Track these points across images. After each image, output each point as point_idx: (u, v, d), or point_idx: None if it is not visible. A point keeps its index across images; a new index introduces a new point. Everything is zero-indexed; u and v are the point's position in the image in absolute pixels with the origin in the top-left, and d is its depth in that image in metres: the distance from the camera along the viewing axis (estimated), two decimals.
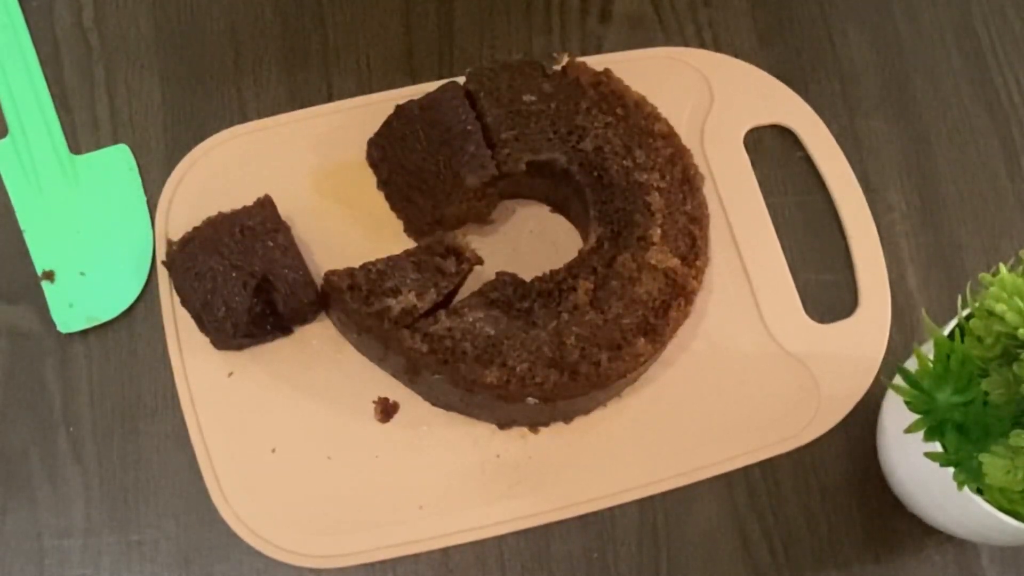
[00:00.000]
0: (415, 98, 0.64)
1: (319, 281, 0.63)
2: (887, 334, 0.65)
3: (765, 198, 0.68)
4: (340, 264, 0.61)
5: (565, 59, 0.65)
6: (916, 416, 0.51)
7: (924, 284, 0.67)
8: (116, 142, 0.68)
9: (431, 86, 0.65)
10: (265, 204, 0.63)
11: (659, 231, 0.61)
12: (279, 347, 0.64)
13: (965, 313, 0.51)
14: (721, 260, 0.66)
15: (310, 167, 0.67)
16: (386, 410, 0.63)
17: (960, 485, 0.50)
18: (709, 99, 0.70)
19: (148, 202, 0.67)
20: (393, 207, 0.66)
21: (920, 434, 0.51)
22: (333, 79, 0.70)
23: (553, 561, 0.61)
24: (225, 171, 0.67)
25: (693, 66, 0.70)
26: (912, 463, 0.56)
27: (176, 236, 0.64)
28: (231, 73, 0.70)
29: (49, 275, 0.65)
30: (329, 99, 0.69)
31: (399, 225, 0.66)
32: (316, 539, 0.60)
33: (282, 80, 0.70)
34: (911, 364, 0.52)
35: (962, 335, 0.51)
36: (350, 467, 0.62)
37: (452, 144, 0.62)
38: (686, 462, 0.62)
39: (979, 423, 0.50)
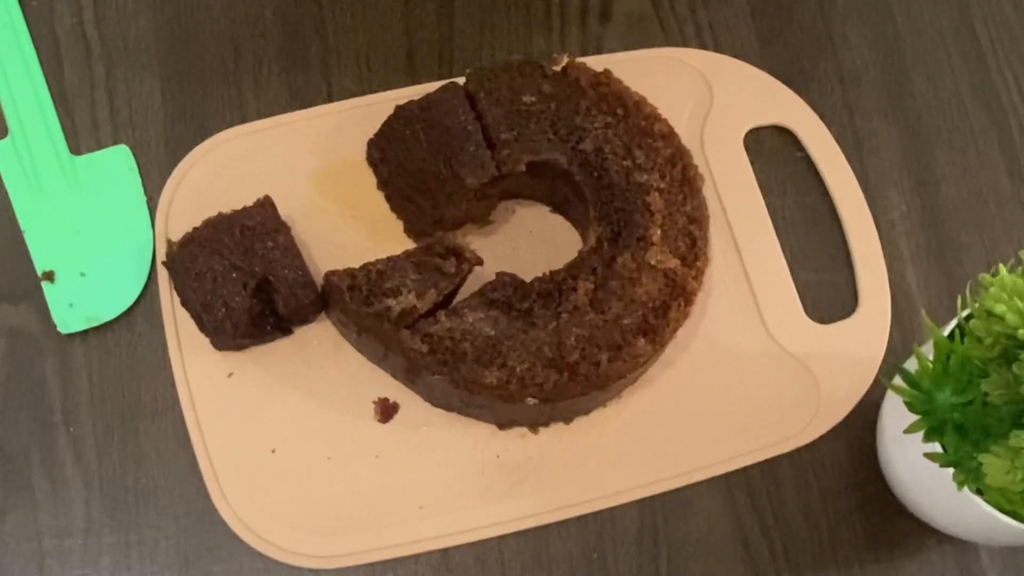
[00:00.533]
0: (415, 98, 0.64)
1: (319, 281, 0.63)
2: (887, 334, 0.65)
3: (765, 198, 0.68)
4: (340, 264, 0.61)
5: (565, 60, 0.65)
6: (916, 416, 0.51)
7: (924, 284, 0.67)
8: (116, 142, 0.68)
9: (431, 86, 0.65)
10: (265, 204, 0.63)
11: (659, 231, 0.61)
12: (279, 347, 0.64)
13: (965, 313, 0.51)
14: (721, 260, 0.66)
15: (310, 167, 0.67)
16: (386, 410, 0.63)
17: (960, 485, 0.50)
18: (709, 99, 0.70)
19: (148, 202, 0.67)
20: (393, 207, 0.66)
21: (920, 434, 0.51)
22: (333, 79, 0.70)
23: (553, 561, 0.61)
24: (225, 171, 0.67)
25: (693, 66, 0.70)
26: (912, 463, 0.56)
27: (176, 236, 0.64)
28: (231, 73, 0.70)
29: (49, 275, 0.65)
30: (329, 99, 0.69)
31: (399, 225, 0.66)
32: (316, 539, 0.60)
33: (282, 80, 0.70)
34: (911, 364, 0.52)
35: (962, 335, 0.51)
36: (350, 467, 0.62)
37: (452, 144, 0.62)
38: (686, 462, 0.62)
39: (979, 424, 0.50)
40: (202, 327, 0.62)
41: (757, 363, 0.64)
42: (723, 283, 0.66)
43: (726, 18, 0.72)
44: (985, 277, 0.48)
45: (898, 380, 0.52)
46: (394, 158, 0.64)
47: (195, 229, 0.63)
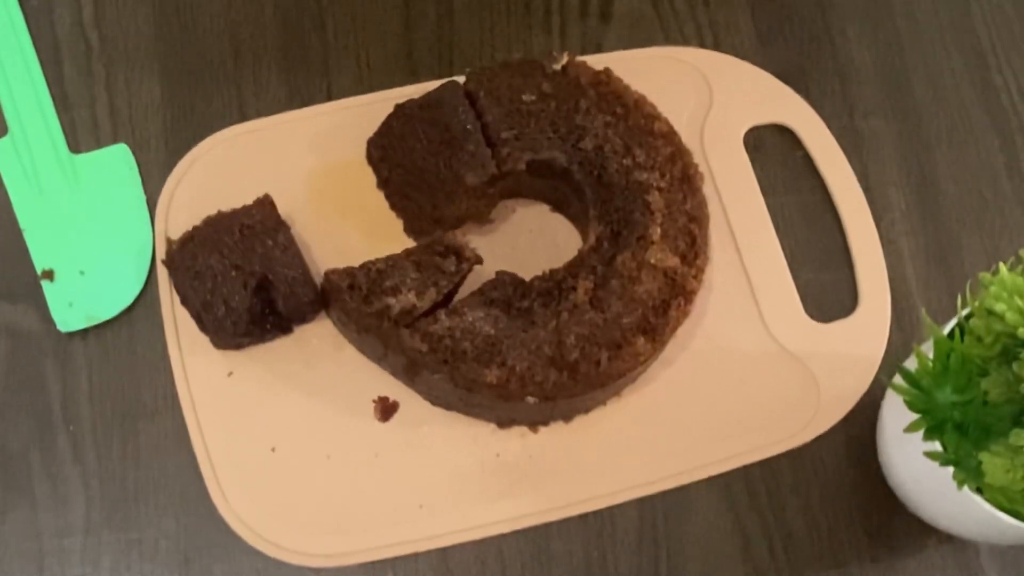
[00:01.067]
0: (415, 97, 0.64)
1: (319, 280, 0.63)
2: (887, 333, 0.65)
3: (765, 197, 0.68)
4: (340, 263, 0.61)
5: (565, 58, 0.65)
6: (916, 415, 0.51)
7: (924, 283, 0.67)
8: (116, 141, 0.68)
9: (431, 85, 0.65)
10: (265, 203, 0.63)
11: (659, 230, 0.61)
12: (279, 346, 0.64)
13: (965, 312, 0.51)
14: (721, 259, 0.66)
15: (310, 166, 0.67)
16: (386, 409, 0.63)
17: (960, 484, 0.50)
18: (709, 98, 0.70)
19: (148, 201, 0.67)
20: (393, 206, 0.66)
21: (920, 433, 0.51)
22: (333, 78, 0.70)
23: (553, 560, 0.61)
24: (225, 170, 0.67)
25: (693, 65, 0.70)
26: (912, 462, 0.56)
27: (176, 235, 0.64)
28: (231, 72, 0.70)
29: (49, 274, 0.65)
30: (329, 98, 0.69)
31: (399, 224, 0.66)
32: (316, 538, 0.60)
33: (282, 79, 0.70)
34: (911, 363, 0.52)
35: (962, 334, 0.51)
36: (350, 466, 0.62)
37: (452, 143, 0.62)
38: (686, 461, 0.62)
39: (979, 422, 0.50)
40: (202, 326, 0.62)
41: (757, 362, 0.64)
42: (723, 282, 0.66)
43: (726, 17, 0.72)
44: (985, 276, 0.48)
45: (898, 379, 0.52)
46: (394, 157, 0.64)
47: (195, 228, 0.63)
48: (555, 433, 0.63)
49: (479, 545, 0.61)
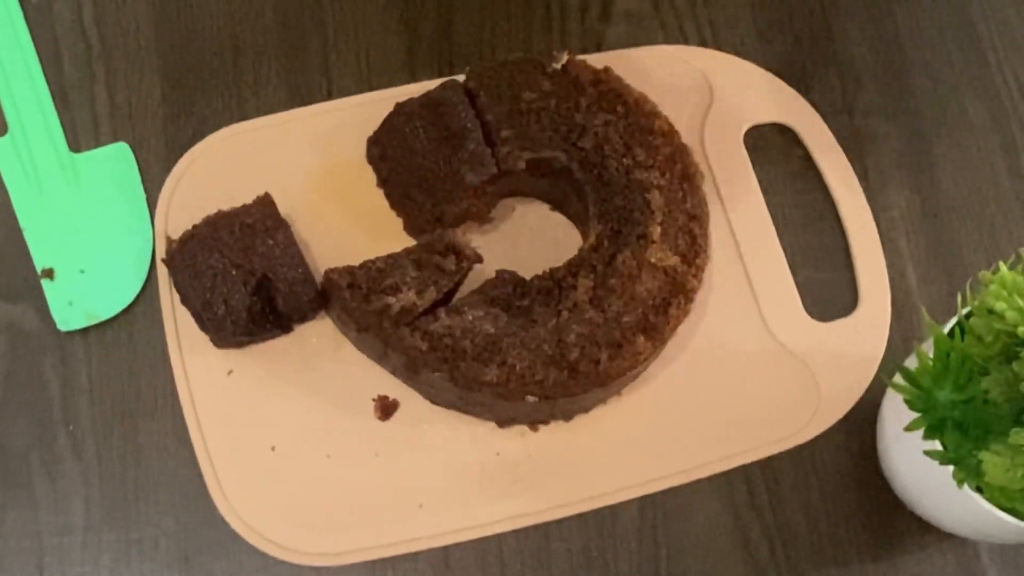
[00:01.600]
0: (415, 96, 0.64)
1: (319, 279, 0.63)
2: (887, 332, 0.65)
3: (765, 196, 0.68)
4: (340, 262, 0.61)
5: (565, 57, 0.65)
6: (916, 414, 0.51)
7: (924, 282, 0.67)
8: (116, 140, 0.68)
9: (431, 84, 0.65)
10: (265, 202, 0.63)
11: (659, 229, 0.61)
12: (279, 345, 0.64)
13: (965, 311, 0.51)
14: (721, 258, 0.66)
15: (310, 165, 0.67)
16: (386, 408, 0.63)
17: (960, 483, 0.50)
18: (709, 97, 0.70)
19: (148, 200, 0.67)
20: (393, 205, 0.66)
21: (920, 432, 0.51)
22: (333, 77, 0.70)
23: (553, 559, 0.61)
24: (225, 169, 0.67)
25: (693, 64, 0.70)
26: (912, 461, 0.56)
27: (176, 234, 0.64)
28: (231, 71, 0.70)
29: (49, 273, 0.65)
30: (329, 97, 0.69)
31: (399, 223, 0.66)
32: (316, 537, 0.60)
33: (282, 78, 0.70)
34: (911, 362, 0.52)
35: (962, 333, 0.51)
36: (350, 465, 0.62)
37: (452, 142, 0.62)
38: (686, 460, 0.62)
39: (979, 421, 0.50)
40: (202, 325, 0.62)
41: (757, 361, 0.64)
42: (723, 281, 0.66)
43: (726, 15, 0.72)
44: (985, 275, 0.48)
45: (898, 378, 0.52)
46: (394, 156, 0.64)
47: (195, 227, 0.63)
48: (555, 432, 0.63)
49: (479, 544, 0.61)
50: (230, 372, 0.63)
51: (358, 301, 0.60)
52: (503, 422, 0.62)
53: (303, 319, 0.64)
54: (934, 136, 0.70)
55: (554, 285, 0.61)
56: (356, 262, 0.61)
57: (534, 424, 0.62)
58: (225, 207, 0.63)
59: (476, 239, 0.65)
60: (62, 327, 0.64)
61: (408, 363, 0.60)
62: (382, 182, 0.66)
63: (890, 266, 0.67)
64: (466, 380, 0.58)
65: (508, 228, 0.67)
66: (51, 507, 0.61)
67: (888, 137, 0.70)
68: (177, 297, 0.63)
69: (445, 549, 0.61)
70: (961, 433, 0.50)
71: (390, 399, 0.63)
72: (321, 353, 0.64)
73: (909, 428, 0.51)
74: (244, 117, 0.69)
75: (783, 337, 0.64)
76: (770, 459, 0.63)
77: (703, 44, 0.71)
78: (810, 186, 0.69)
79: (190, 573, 0.61)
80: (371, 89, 0.70)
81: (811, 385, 0.64)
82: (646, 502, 0.62)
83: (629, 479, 0.62)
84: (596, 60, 0.66)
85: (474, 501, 0.61)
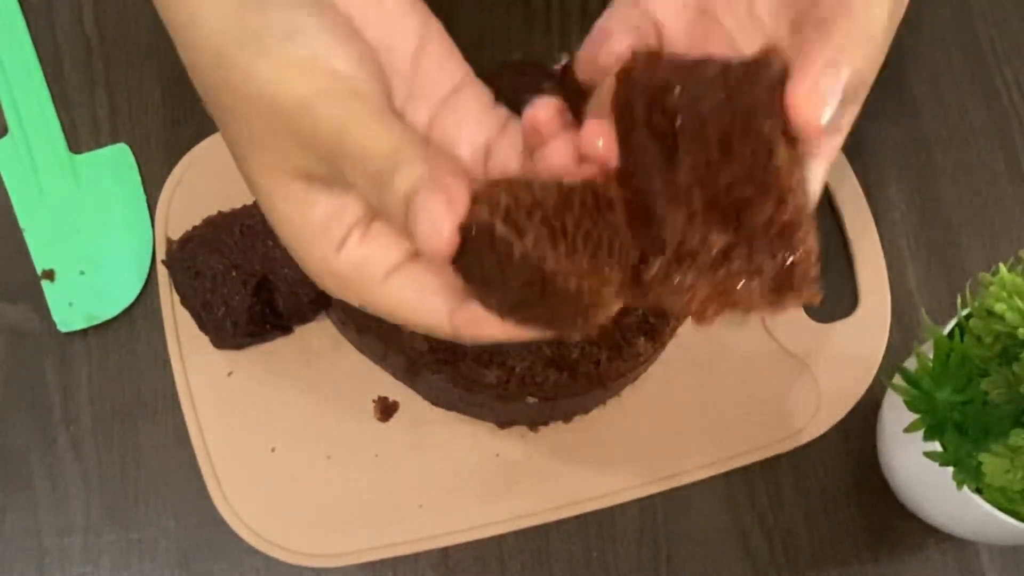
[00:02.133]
0: None
1: None
2: (887, 333, 0.65)
3: None
4: None
5: (566, 59, 0.65)
6: (916, 415, 0.51)
7: (924, 283, 0.67)
8: (116, 141, 0.68)
9: None
10: None
11: None
12: (279, 346, 0.64)
13: (965, 313, 0.51)
14: None
15: None
16: (386, 409, 0.63)
17: (959, 484, 0.50)
18: None
19: (148, 201, 0.67)
20: None
21: (920, 433, 0.51)
22: None
23: (553, 560, 0.61)
24: (225, 170, 0.66)
25: None
26: (912, 462, 0.56)
27: (176, 235, 0.64)
28: None
29: (49, 274, 0.65)
30: None
31: None
32: (316, 538, 0.60)
33: None
34: (911, 363, 0.52)
35: (962, 335, 0.51)
36: (350, 466, 0.62)
37: None
38: (686, 461, 0.62)
39: (978, 422, 0.50)
40: (202, 326, 0.62)
41: (757, 362, 0.64)
42: None
43: None
44: (985, 276, 0.48)
45: (898, 379, 0.52)
46: None
47: (195, 228, 0.63)
48: (555, 433, 0.63)
49: (479, 545, 0.61)
50: (230, 373, 0.63)
51: None
52: (503, 423, 0.62)
53: (303, 320, 0.64)
54: (934, 137, 0.70)
55: None
56: None
57: (534, 425, 0.62)
58: (226, 208, 0.63)
59: None
60: (62, 328, 0.64)
61: (408, 364, 0.60)
62: None
63: (890, 267, 0.67)
64: (466, 381, 0.58)
65: None
66: (51, 507, 0.61)
67: (888, 138, 0.70)
68: (177, 298, 0.63)
69: (445, 549, 0.61)
70: (961, 434, 0.50)
71: (390, 400, 0.63)
72: (321, 353, 0.64)
73: (909, 429, 0.52)
74: None
75: (783, 338, 0.64)
76: (770, 460, 0.63)
77: None
78: None
79: (190, 573, 0.61)
80: None
81: (811, 386, 0.64)
82: (646, 502, 0.62)
83: (629, 480, 0.62)
84: None
85: (474, 501, 0.61)
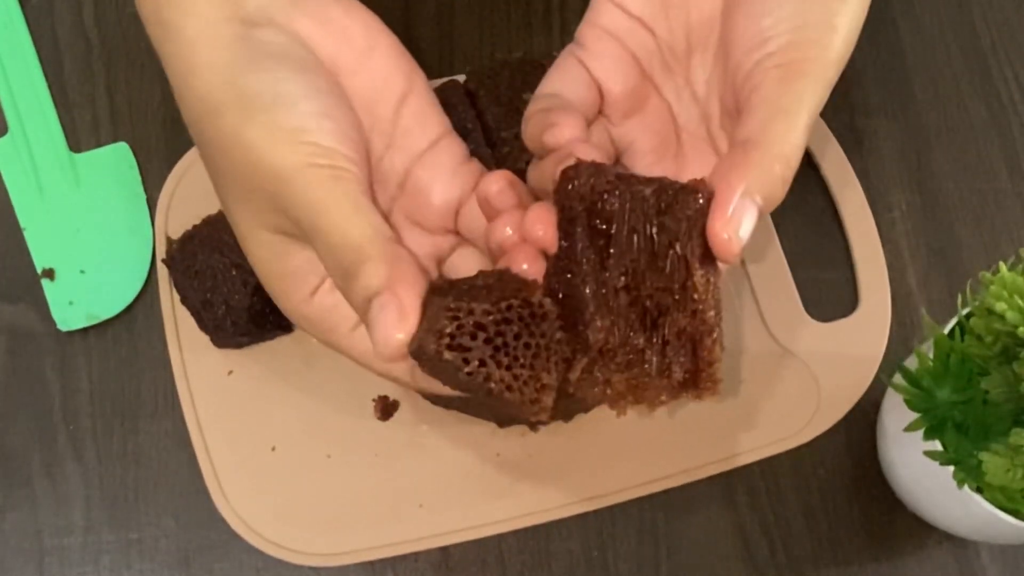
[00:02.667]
0: None
1: None
2: (887, 333, 0.65)
3: None
4: None
5: None
6: (916, 415, 0.51)
7: (924, 283, 0.67)
8: (116, 140, 0.68)
9: (431, 84, 0.65)
10: None
11: None
12: (279, 345, 0.64)
13: (965, 312, 0.51)
14: None
15: None
16: (386, 408, 0.63)
17: (960, 483, 0.50)
18: None
19: (148, 200, 0.67)
20: None
21: (920, 432, 0.51)
22: None
23: (553, 559, 0.61)
24: None
25: None
26: (912, 461, 0.56)
27: (176, 234, 0.64)
28: None
29: (49, 273, 0.65)
30: None
31: None
32: (316, 537, 0.60)
33: None
34: (911, 362, 0.52)
35: (962, 334, 0.51)
36: (350, 465, 0.62)
37: None
38: (685, 460, 0.62)
39: (979, 421, 0.50)
40: (202, 325, 0.62)
41: (757, 361, 0.64)
42: (723, 281, 0.65)
43: None
44: (985, 275, 0.48)
45: (898, 378, 0.52)
46: None
47: (195, 227, 0.63)
48: (555, 433, 0.63)
49: (479, 544, 0.61)
50: (230, 372, 0.63)
51: None
52: (503, 422, 0.62)
53: None
54: (934, 136, 0.70)
55: None
56: None
57: (534, 425, 0.62)
58: None
59: None
60: (62, 327, 0.64)
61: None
62: None
63: (890, 266, 0.67)
64: None
65: None
66: (51, 507, 0.61)
67: (888, 137, 0.70)
68: (177, 297, 0.63)
69: (445, 549, 0.61)
70: (961, 433, 0.50)
71: (390, 399, 0.63)
72: (321, 353, 0.63)
73: (909, 428, 0.52)
74: None
75: (783, 337, 0.64)
76: (770, 459, 0.63)
77: None
78: (810, 186, 0.69)
79: (190, 573, 0.61)
80: None
81: (811, 385, 0.64)
82: (646, 502, 0.62)
83: (629, 479, 0.62)
84: None
85: (474, 501, 0.61)
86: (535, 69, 0.65)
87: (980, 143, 0.70)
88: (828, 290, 0.67)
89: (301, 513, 0.61)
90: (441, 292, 0.45)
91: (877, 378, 0.64)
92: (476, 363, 0.43)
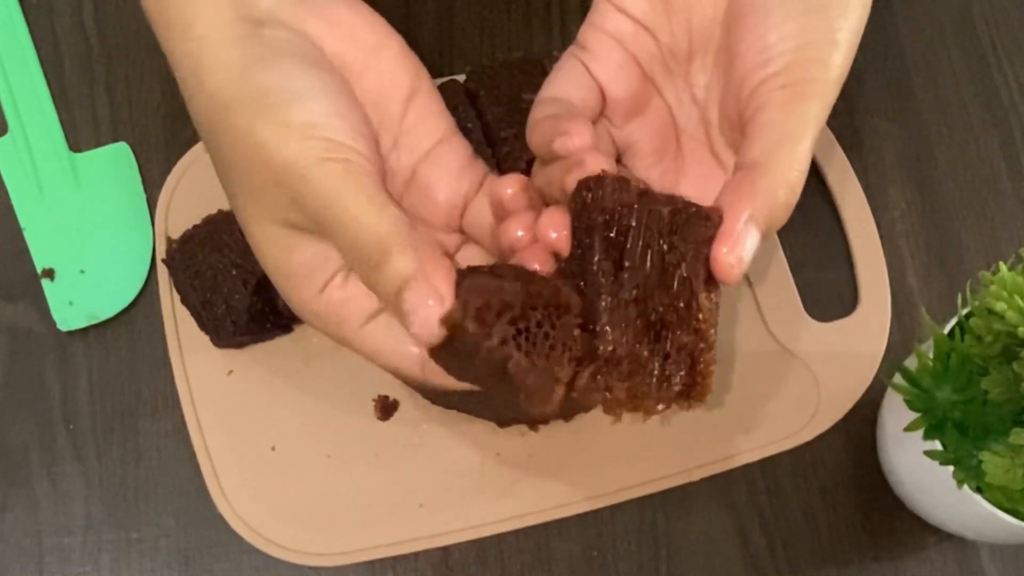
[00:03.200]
0: None
1: None
2: (887, 332, 0.65)
3: None
4: None
5: None
6: (916, 414, 0.51)
7: (924, 282, 0.67)
8: (116, 140, 0.68)
9: None
10: None
11: None
12: (279, 345, 0.64)
13: (965, 311, 0.51)
14: None
15: None
16: (386, 408, 0.63)
17: (960, 483, 0.50)
18: None
19: (148, 200, 0.67)
20: None
21: (920, 432, 0.51)
22: None
23: (553, 559, 0.61)
24: None
25: None
26: (912, 461, 0.56)
27: (176, 234, 0.64)
28: None
29: (49, 273, 0.65)
30: None
31: None
32: (316, 537, 0.60)
33: None
34: (911, 362, 0.52)
35: (962, 333, 0.51)
36: (350, 465, 0.62)
37: None
38: (686, 460, 0.62)
39: (979, 421, 0.50)
40: (202, 325, 0.62)
41: (757, 361, 0.64)
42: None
43: None
44: (985, 275, 0.48)
45: (898, 378, 0.52)
46: None
47: (195, 227, 0.63)
48: (555, 432, 0.63)
49: (479, 544, 0.61)
50: (230, 372, 0.63)
51: None
52: (503, 422, 0.62)
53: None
54: (934, 136, 0.70)
55: None
56: None
57: (534, 424, 0.62)
58: (226, 207, 0.63)
59: None
60: (62, 327, 0.64)
61: None
62: None
63: (890, 266, 0.67)
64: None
65: None
66: (51, 507, 0.62)
67: (888, 137, 0.70)
68: (177, 297, 0.63)
69: (445, 549, 0.61)
70: (961, 433, 0.50)
71: (390, 399, 0.63)
72: (321, 353, 0.64)
73: (909, 428, 0.52)
74: None
75: (783, 337, 0.64)
76: (770, 459, 0.63)
77: None
78: (810, 186, 0.68)
79: (190, 573, 0.61)
80: None
81: (811, 385, 0.64)
82: (646, 502, 0.62)
83: (629, 479, 0.62)
84: None
85: (474, 501, 0.61)
86: (535, 69, 0.65)
87: (980, 142, 0.70)
88: (828, 290, 0.67)
89: (301, 513, 0.61)
90: (464, 276, 0.45)
91: (877, 378, 0.64)
92: (498, 339, 0.44)
